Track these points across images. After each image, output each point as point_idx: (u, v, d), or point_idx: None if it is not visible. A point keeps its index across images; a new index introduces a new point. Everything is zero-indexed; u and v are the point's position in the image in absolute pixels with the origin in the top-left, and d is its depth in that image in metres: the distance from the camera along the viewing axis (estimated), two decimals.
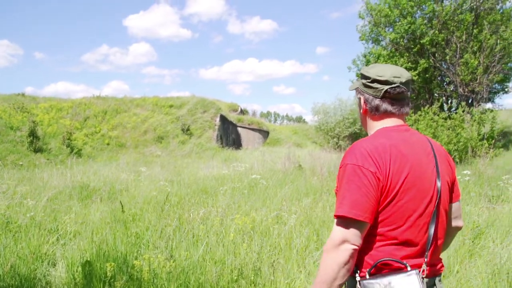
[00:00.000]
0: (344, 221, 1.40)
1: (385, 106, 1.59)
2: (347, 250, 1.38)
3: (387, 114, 1.61)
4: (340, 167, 1.50)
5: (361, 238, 1.41)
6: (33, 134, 17.13)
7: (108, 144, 20.33)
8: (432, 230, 1.51)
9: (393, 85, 1.56)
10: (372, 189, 1.41)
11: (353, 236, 1.39)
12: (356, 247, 1.39)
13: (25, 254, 4.02)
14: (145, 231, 4.64)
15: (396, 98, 1.59)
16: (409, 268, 1.43)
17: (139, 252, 4.08)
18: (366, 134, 1.72)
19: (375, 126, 1.63)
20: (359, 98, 1.67)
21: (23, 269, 3.64)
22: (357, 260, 1.47)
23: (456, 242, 4.08)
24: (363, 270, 1.47)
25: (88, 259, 3.68)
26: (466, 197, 6.20)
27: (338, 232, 1.40)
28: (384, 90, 1.57)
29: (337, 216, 1.42)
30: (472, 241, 4.21)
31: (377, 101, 1.60)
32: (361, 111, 1.69)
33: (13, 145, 16.68)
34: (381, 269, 1.45)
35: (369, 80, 1.61)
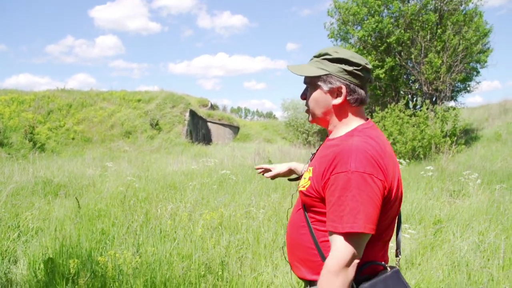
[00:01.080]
0: (357, 237, 1.27)
1: (367, 97, 1.47)
2: (355, 265, 1.28)
3: (362, 107, 1.50)
4: (339, 173, 1.30)
5: None
6: None
7: (73, 138, 19.75)
8: (400, 227, 1.54)
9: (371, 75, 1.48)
10: (381, 199, 1.30)
11: (361, 250, 1.29)
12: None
13: None
14: (111, 227, 4.55)
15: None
16: (388, 269, 1.41)
17: (104, 248, 4.00)
18: None
19: (352, 121, 1.47)
20: (337, 87, 1.44)
21: None
22: None
23: (418, 235, 4.22)
24: None
25: (51, 256, 3.57)
26: (429, 192, 6.42)
27: (349, 250, 1.26)
28: (369, 79, 1.47)
29: (349, 233, 1.26)
30: (434, 234, 4.36)
31: (363, 92, 1.45)
32: (338, 101, 1.45)
33: None
34: (362, 272, 1.37)
35: (358, 68, 1.43)
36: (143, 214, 4.93)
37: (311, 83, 1.50)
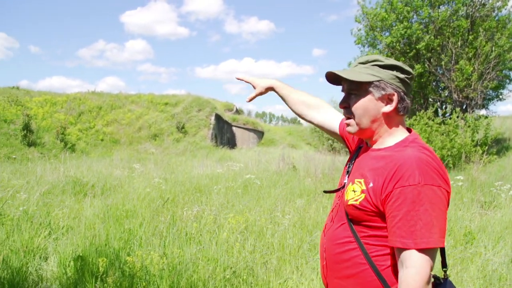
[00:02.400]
0: (432, 252, 1.24)
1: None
2: (431, 279, 1.26)
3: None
4: (407, 186, 1.24)
5: None
6: (27, 127, 17.00)
7: (102, 139, 20.24)
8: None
9: None
10: (446, 210, 1.28)
11: (433, 264, 1.26)
12: None
13: (17, 247, 4.00)
14: (138, 228, 4.63)
15: None
16: (441, 280, 1.39)
17: (131, 248, 4.07)
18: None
19: (398, 131, 1.45)
20: (389, 94, 1.40)
21: (15, 262, 3.61)
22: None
23: (447, 247, 4.12)
24: None
25: (81, 254, 3.66)
26: (459, 202, 6.25)
27: (427, 266, 1.22)
28: (412, 89, 1.47)
29: (425, 249, 1.22)
30: (464, 246, 4.25)
31: (409, 101, 1.43)
32: (389, 109, 1.42)
33: (7, 138, 16.55)
34: None
35: (409, 76, 1.42)
36: (169, 216, 4.99)
37: (360, 89, 1.43)
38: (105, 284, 3.12)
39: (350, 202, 1.40)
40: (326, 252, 1.52)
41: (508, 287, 3.23)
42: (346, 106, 1.48)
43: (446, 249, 3.97)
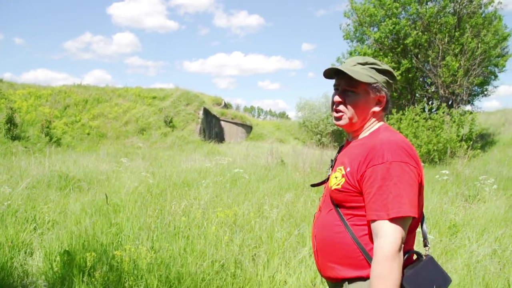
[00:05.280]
0: (403, 221, 1.36)
1: None
2: (403, 248, 1.36)
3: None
4: (378, 165, 1.39)
5: None
6: (10, 121, 16.70)
7: (88, 134, 20.00)
8: (424, 219, 1.59)
9: None
10: (417, 185, 1.41)
11: (406, 235, 1.38)
12: None
13: (1, 242, 3.93)
14: (126, 222, 4.59)
15: None
16: (423, 257, 1.49)
17: (119, 242, 4.04)
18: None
19: (376, 124, 1.60)
20: (380, 96, 1.57)
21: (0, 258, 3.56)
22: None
23: (432, 239, 4.18)
24: None
25: (67, 249, 3.62)
26: (444, 196, 6.34)
27: (399, 234, 1.34)
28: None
29: (397, 218, 1.34)
30: (449, 239, 4.32)
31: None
32: (378, 109, 1.58)
33: None
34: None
35: (395, 82, 1.59)
36: (157, 210, 4.97)
37: (359, 88, 1.55)
38: (92, 279, 3.09)
39: (333, 187, 1.53)
40: (317, 239, 1.62)
41: (491, 277, 3.29)
42: (341, 101, 1.59)
43: (431, 240, 4.04)
